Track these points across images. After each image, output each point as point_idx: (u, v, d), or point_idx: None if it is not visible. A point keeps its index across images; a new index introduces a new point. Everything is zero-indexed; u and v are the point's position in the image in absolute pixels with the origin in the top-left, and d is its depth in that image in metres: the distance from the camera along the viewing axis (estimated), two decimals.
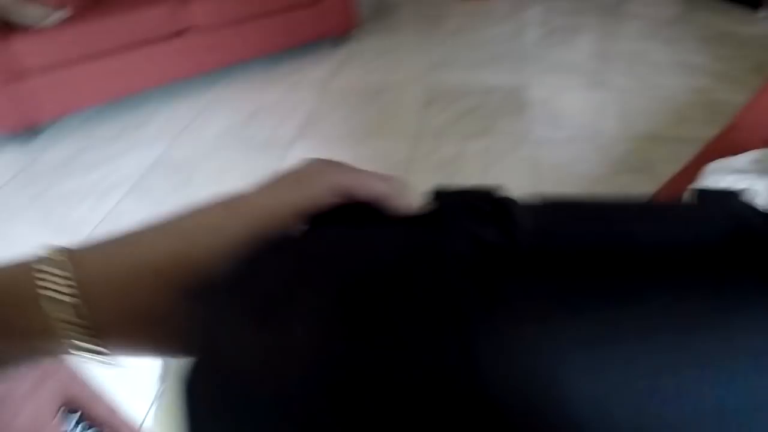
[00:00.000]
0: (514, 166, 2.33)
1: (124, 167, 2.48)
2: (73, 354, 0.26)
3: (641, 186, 2.09)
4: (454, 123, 2.65)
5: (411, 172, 2.33)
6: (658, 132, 2.48)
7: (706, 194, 0.25)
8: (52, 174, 2.47)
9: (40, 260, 0.25)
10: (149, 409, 1.38)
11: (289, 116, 2.79)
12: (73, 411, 0.60)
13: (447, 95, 2.88)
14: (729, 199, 0.24)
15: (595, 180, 2.22)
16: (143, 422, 1.36)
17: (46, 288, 0.25)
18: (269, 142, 2.59)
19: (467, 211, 0.22)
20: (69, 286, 0.25)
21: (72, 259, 0.25)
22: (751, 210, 0.23)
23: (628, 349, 0.18)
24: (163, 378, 0.30)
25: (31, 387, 0.56)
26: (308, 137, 2.62)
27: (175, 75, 2.92)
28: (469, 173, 2.30)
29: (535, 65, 3.14)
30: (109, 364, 0.26)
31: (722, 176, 1.18)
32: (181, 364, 0.22)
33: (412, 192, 0.29)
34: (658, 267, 0.20)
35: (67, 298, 0.25)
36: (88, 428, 0.69)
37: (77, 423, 0.60)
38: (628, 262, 0.20)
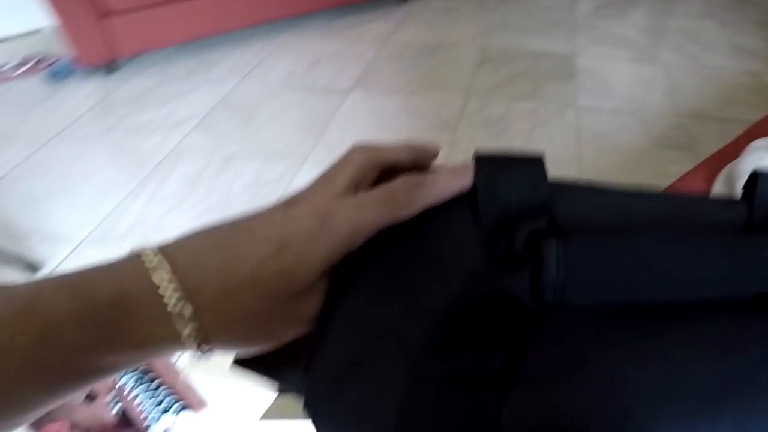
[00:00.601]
0: (558, 130, 2.19)
1: (193, 104, 2.43)
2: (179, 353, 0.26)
3: (682, 163, 1.94)
4: (504, 84, 2.51)
5: (460, 127, 2.23)
6: (705, 111, 2.29)
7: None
8: (126, 107, 2.44)
9: (154, 271, 0.25)
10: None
11: (348, 66, 2.69)
12: None
13: (499, 57, 2.73)
14: None
15: (636, 152, 2.08)
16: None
17: (170, 305, 0.24)
18: (328, 89, 2.51)
19: (507, 253, 0.24)
20: (182, 298, 0.25)
21: (175, 267, 0.25)
22: None
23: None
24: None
25: None
26: (365, 86, 2.53)
27: (247, 21, 2.84)
28: (515, 133, 2.18)
29: (587, 35, 2.93)
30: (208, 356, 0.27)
31: (765, 154, 1.06)
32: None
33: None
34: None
35: (187, 312, 0.25)
36: None
37: None
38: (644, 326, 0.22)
